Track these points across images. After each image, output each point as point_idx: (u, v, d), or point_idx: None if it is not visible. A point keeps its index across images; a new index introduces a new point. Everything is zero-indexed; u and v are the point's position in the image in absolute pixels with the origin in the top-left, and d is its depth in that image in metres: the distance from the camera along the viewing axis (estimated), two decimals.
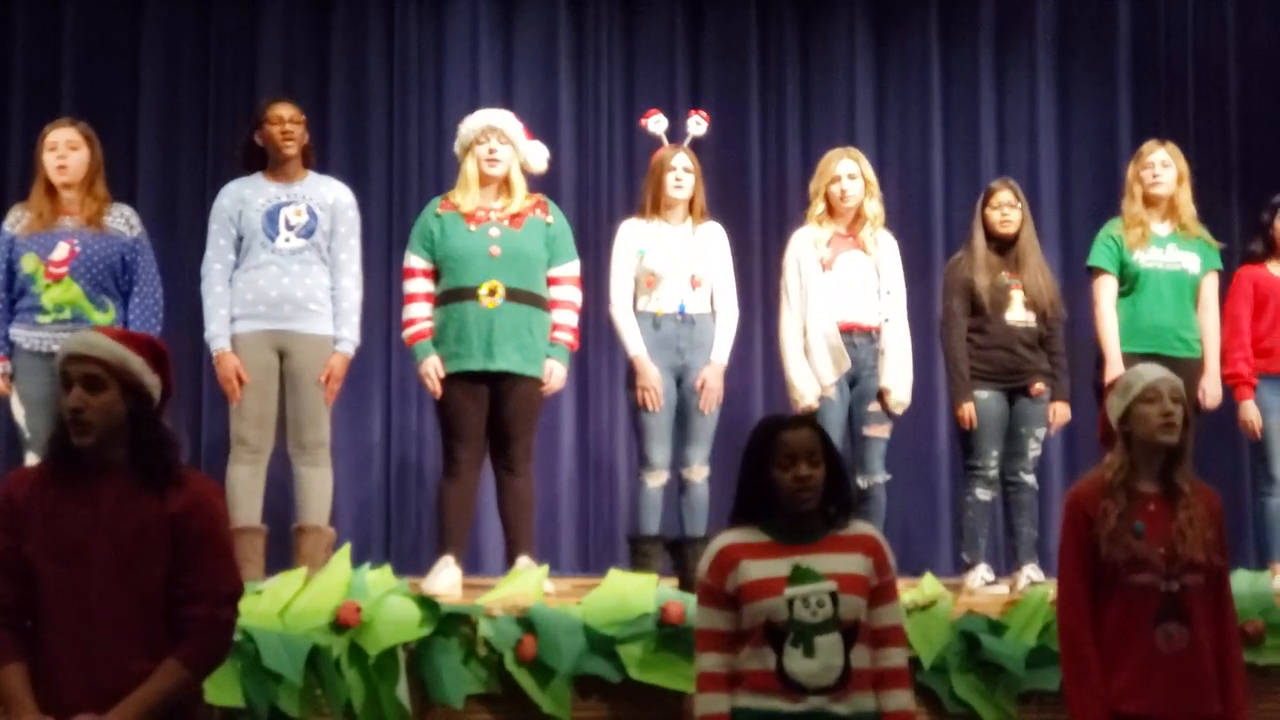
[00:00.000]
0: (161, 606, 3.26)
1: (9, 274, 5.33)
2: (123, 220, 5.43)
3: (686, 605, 4.89)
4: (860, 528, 3.69)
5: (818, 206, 5.82)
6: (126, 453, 3.28)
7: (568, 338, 5.55)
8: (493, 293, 5.36)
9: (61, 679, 3.21)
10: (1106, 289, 5.89)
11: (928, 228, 7.57)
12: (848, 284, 5.72)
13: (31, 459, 5.14)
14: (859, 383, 5.73)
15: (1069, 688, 3.83)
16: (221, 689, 4.45)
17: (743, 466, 3.68)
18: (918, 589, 5.19)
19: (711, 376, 5.64)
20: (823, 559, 3.55)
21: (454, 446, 5.44)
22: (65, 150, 5.36)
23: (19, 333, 5.30)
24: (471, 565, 5.58)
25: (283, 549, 5.72)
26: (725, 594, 3.57)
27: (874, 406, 5.72)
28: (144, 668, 3.21)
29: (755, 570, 3.54)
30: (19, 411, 5.33)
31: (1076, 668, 3.79)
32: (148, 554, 3.24)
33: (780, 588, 3.51)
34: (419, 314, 5.50)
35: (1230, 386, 5.90)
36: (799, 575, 3.52)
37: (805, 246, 5.76)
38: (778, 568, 3.54)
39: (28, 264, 5.28)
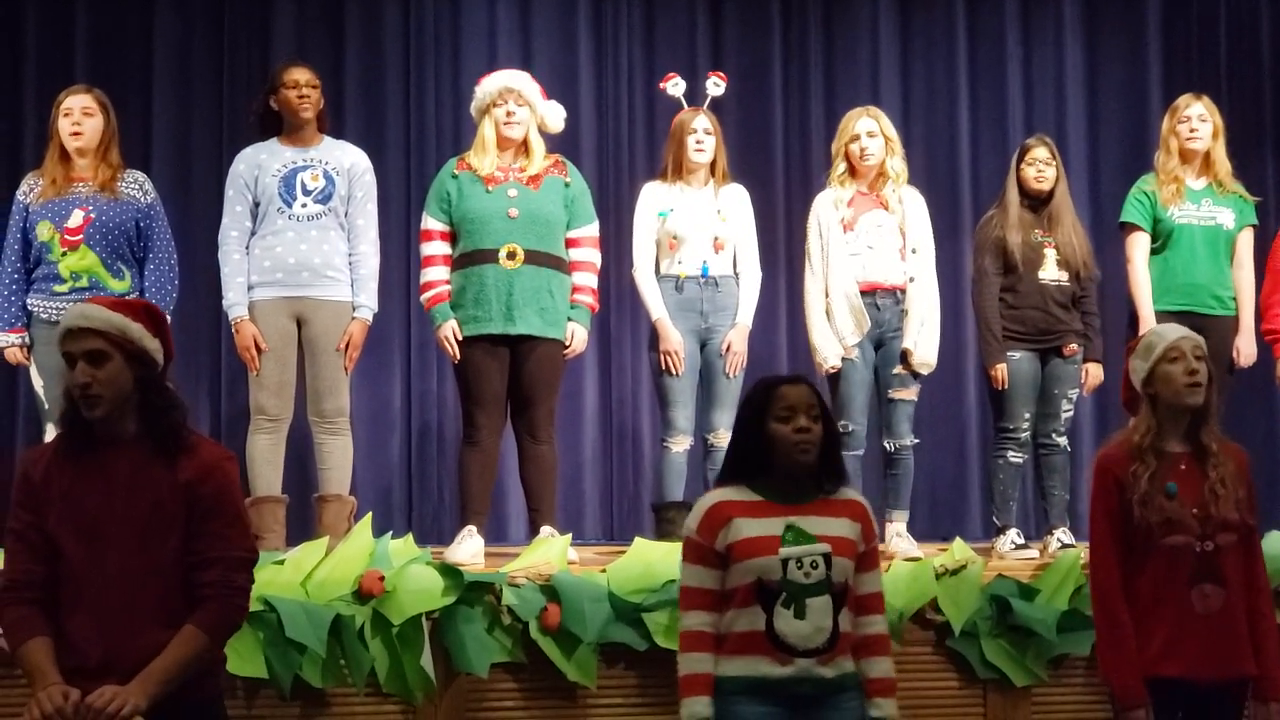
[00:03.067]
0: (179, 576, 3.25)
1: (25, 243, 5.29)
2: (136, 186, 5.39)
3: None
4: (848, 493, 3.67)
5: (839, 166, 5.72)
6: (137, 422, 3.28)
7: (589, 299, 5.48)
8: (512, 255, 5.29)
9: (85, 651, 3.21)
10: (1139, 246, 5.80)
11: (955, 186, 7.46)
12: (871, 244, 5.63)
13: (51, 429, 5.10)
14: (884, 345, 5.65)
15: (1103, 653, 3.81)
16: (244, 659, 4.44)
17: (738, 423, 3.71)
18: (948, 553, 5.16)
19: (737, 339, 5.58)
20: (815, 521, 3.53)
21: (474, 412, 5.37)
22: (80, 116, 5.31)
23: (36, 302, 5.27)
24: (494, 534, 5.53)
25: (303, 518, 5.69)
26: (715, 552, 3.53)
27: (899, 369, 5.63)
28: (164, 638, 3.21)
29: (748, 528, 3.51)
30: (38, 382, 5.30)
31: (1111, 633, 3.76)
32: (163, 524, 3.24)
33: (774, 547, 3.48)
34: (437, 277, 5.43)
35: (1269, 343, 5.78)
36: (792, 536, 3.49)
37: (826, 208, 5.68)
38: (771, 526, 3.51)
39: (43, 232, 5.24)
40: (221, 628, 3.30)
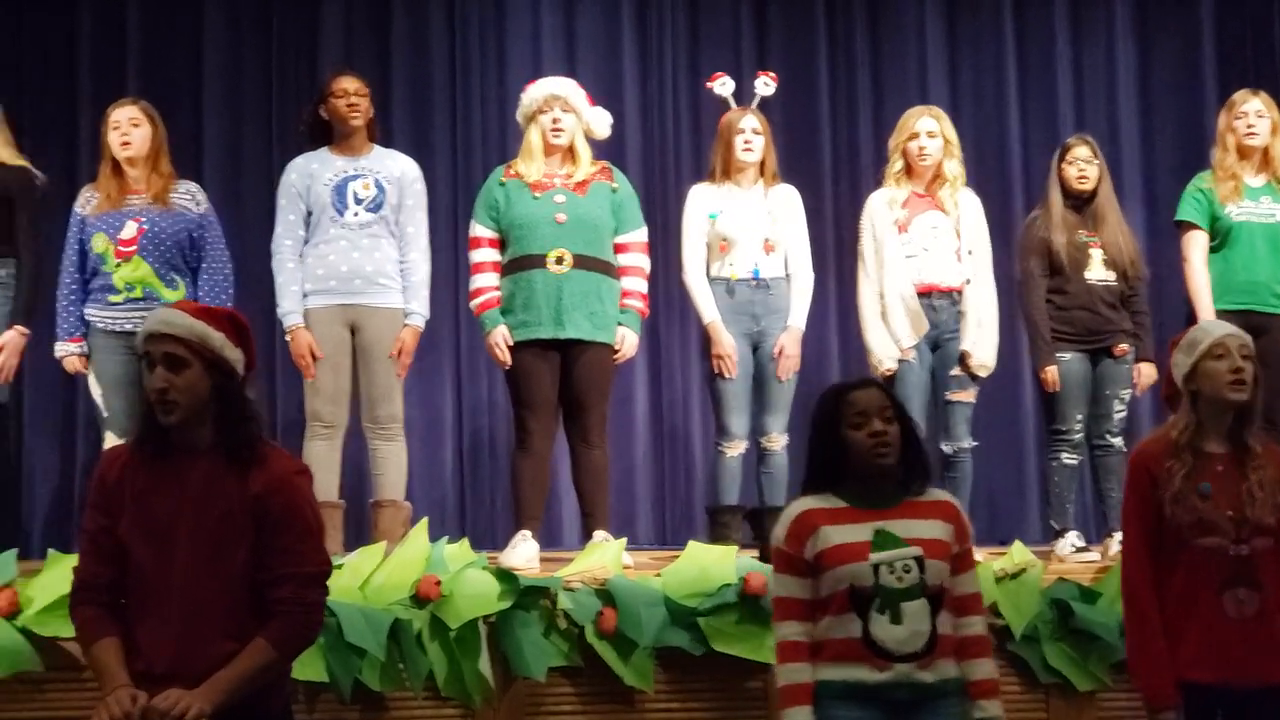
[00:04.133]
0: (247, 587, 3.25)
1: (81, 254, 5.34)
2: (189, 197, 5.44)
3: (768, 576, 4.82)
4: (937, 494, 3.62)
5: (895, 164, 5.71)
6: (212, 431, 3.26)
7: (639, 304, 5.48)
8: (560, 260, 5.29)
9: (151, 655, 3.21)
10: (1197, 244, 5.73)
11: (1006, 187, 7.42)
12: (926, 245, 5.61)
13: (111, 437, 5.16)
14: (941, 347, 5.62)
15: (1132, 654, 3.73)
16: (305, 664, 4.44)
17: (812, 433, 3.63)
18: (1007, 557, 5.13)
19: (789, 342, 5.56)
20: (903, 524, 3.49)
21: (525, 417, 5.37)
22: (128, 127, 5.36)
23: (93, 313, 5.31)
24: (547, 539, 5.54)
25: (359, 524, 5.72)
26: (804, 561, 3.50)
27: (957, 371, 5.61)
28: (231, 648, 3.20)
29: (836, 535, 3.48)
30: (96, 390, 5.35)
31: (1140, 633, 3.69)
32: (233, 535, 3.23)
33: (864, 553, 3.44)
34: (486, 283, 5.43)
35: None
36: (882, 540, 3.46)
37: (880, 208, 5.66)
38: (859, 533, 3.47)
39: (98, 244, 5.29)
40: (292, 643, 3.29)
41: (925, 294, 5.58)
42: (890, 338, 5.56)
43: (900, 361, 5.56)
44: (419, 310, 5.48)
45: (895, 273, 5.56)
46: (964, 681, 3.49)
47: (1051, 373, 5.64)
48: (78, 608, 3.31)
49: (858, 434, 3.48)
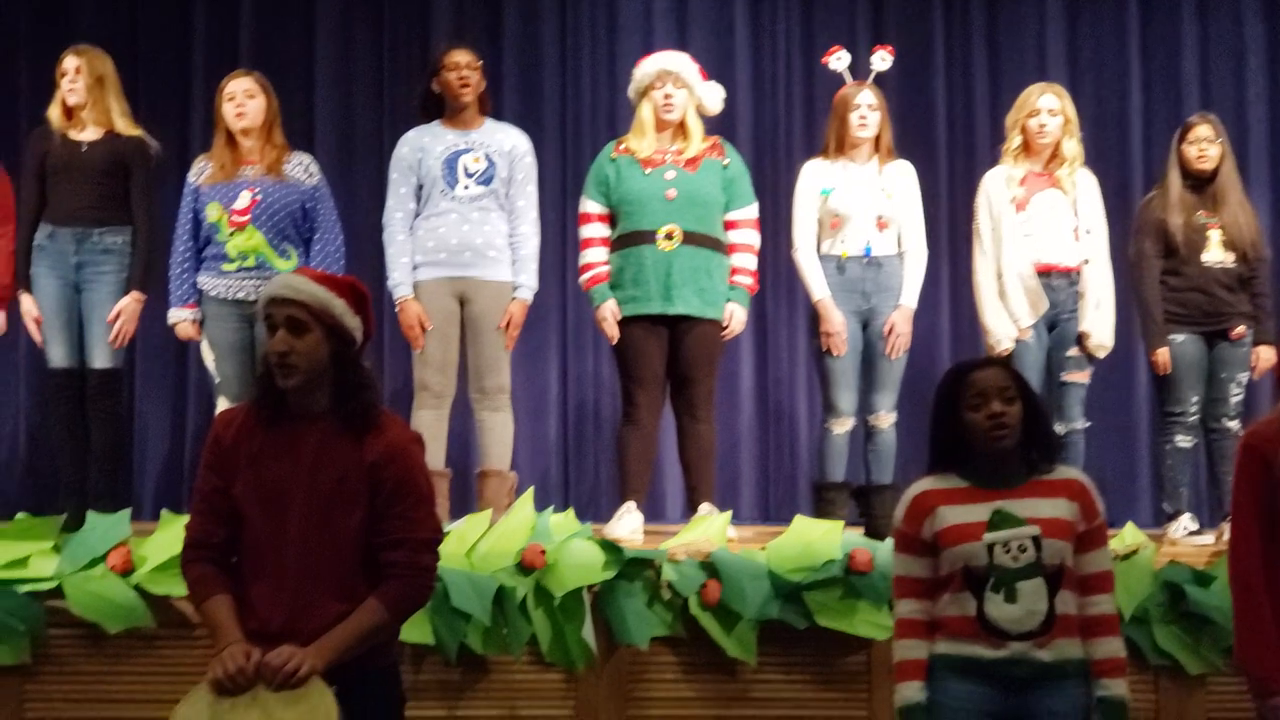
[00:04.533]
0: (359, 552, 3.28)
1: (195, 223, 5.42)
2: (302, 168, 5.50)
3: (874, 552, 4.82)
4: (1066, 472, 3.58)
5: (1014, 141, 5.65)
6: (329, 398, 3.29)
7: (747, 281, 5.46)
8: (670, 236, 5.29)
9: (265, 615, 3.26)
10: None
11: (1126, 167, 7.26)
12: (1043, 224, 5.55)
13: (223, 403, 5.25)
14: (1057, 326, 5.57)
15: (1240, 639, 3.59)
16: (412, 626, 4.48)
17: (934, 414, 3.60)
18: (1119, 538, 5.08)
19: (900, 321, 5.51)
20: (1024, 504, 3.46)
21: (633, 391, 5.39)
22: (243, 99, 5.43)
23: (206, 280, 5.39)
24: (650, 513, 5.55)
25: (464, 494, 5.77)
26: (922, 541, 3.51)
27: (1073, 351, 5.56)
28: (340, 609, 3.24)
29: (952, 516, 3.47)
30: (208, 357, 5.43)
31: (1248, 618, 3.54)
32: (347, 501, 3.26)
33: (979, 533, 3.43)
34: (595, 259, 5.46)
35: None
36: (999, 520, 3.44)
37: (997, 186, 5.60)
38: (976, 513, 3.46)
39: (212, 213, 5.36)
40: (404, 605, 3.32)
41: (1043, 273, 5.52)
42: (1008, 317, 5.50)
43: (1017, 341, 5.50)
44: (527, 283, 5.51)
45: (1013, 251, 5.51)
46: (1088, 661, 3.46)
47: (1163, 355, 5.56)
48: (190, 565, 3.36)
49: (975, 415, 3.46)
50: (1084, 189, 5.61)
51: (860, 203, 5.51)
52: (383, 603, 3.25)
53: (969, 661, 3.44)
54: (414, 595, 3.33)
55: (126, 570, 4.70)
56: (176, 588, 4.42)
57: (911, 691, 3.49)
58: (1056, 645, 3.42)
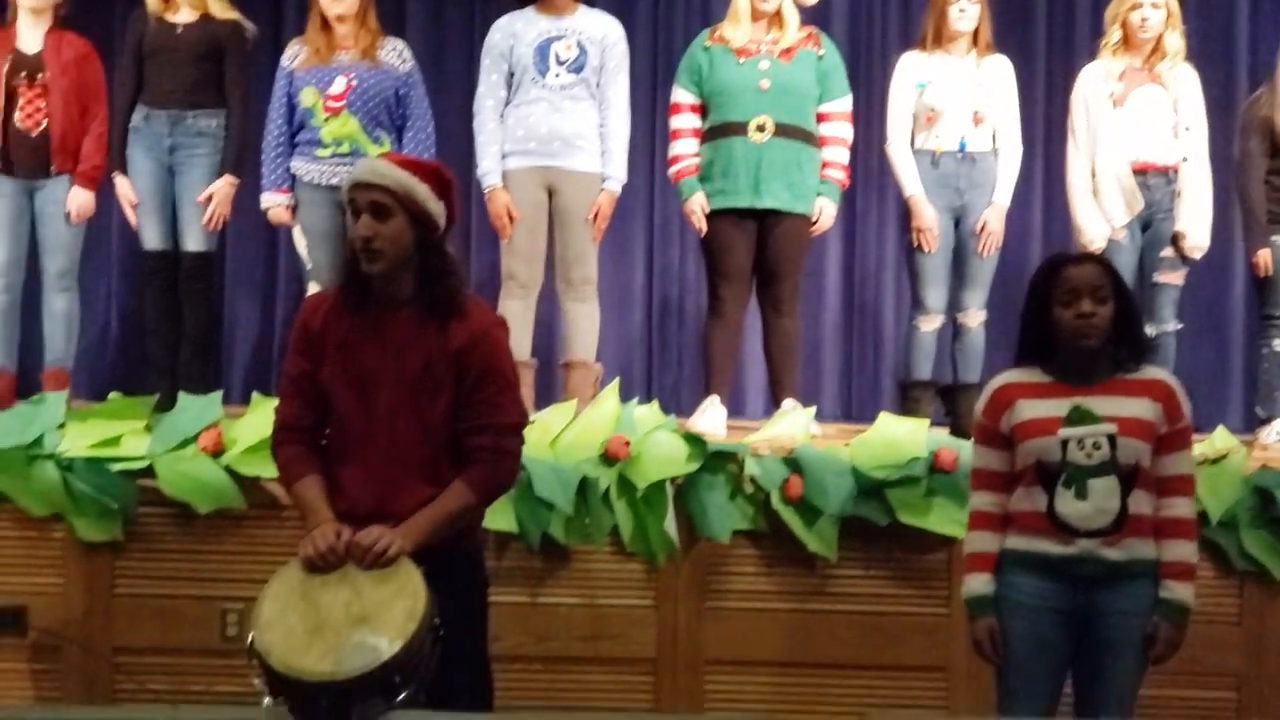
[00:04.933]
0: (445, 437, 3.32)
1: (289, 108, 5.42)
2: (395, 54, 5.47)
3: (959, 451, 4.80)
4: (1152, 372, 3.56)
5: (1113, 35, 5.51)
6: (414, 283, 3.31)
7: (839, 175, 5.40)
8: (761, 128, 5.24)
9: (354, 497, 3.31)
10: None
11: (1230, 62, 7.03)
12: (1141, 121, 5.43)
13: (314, 289, 5.28)
14: (1152, 226, 5.47)
15: None
16: (496, 514, 4.54)
17: (1025, 305, 3.60)
18: (1208, 442, 5.01)
19: (993, 218, 5.44)
20: (1105, 401, 3.45)
21: (719, 285, 5.37)
22: None
23: (299, 165, 5.40)
24: (731, 408, 5.55)
25: (548, 384, 5.80)
26: (1000, 433, 3.53)
27: (1167, 251, 5.46)
28: (429, 492, 3.29)
29: (1030, 410, 3.48)
30: (300, 242, 5.46)
31: None
32: (433, 386, 3.29)
33: (1054, 428, 3.44)
34: (685, 150, 5.41)
35: None
36: (1076, 416, 3.44)
37: (1095, 81, 5.48)
38: (1054, 408, 3.46)
39: (307, 98, 5.36)
40: (490, 488, 3.36)
41: (1139, 172, 5.41)
42: (1101, 216, 5.41)
43: (1110, 241, 5.40)
44: (616, 175, 5.47)
45: (1109, 149, 5.40)
46: (1159, 561, 3.46)
47: (1264, 256, 5.47)
48: (280, 447, 3.42)
49: (1065, 312, 3.44)
50: (1185, 85, 5.48)
51: (956, 97, 5.42)
52: (469, 486, 3.30)
53: (1037, 557, 3.46)
54: (499, 479, 3.38)
55: (217, 451, 4.77)
56: (266, 469, 4.48)
57: (979, 583, 3.53)
58: (1127, 544, 3.43)
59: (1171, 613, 3.47)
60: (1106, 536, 3.41)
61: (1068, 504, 3.42)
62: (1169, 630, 3.48)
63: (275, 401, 3.49)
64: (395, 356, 3.30)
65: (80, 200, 5.41)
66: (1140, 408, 3.45)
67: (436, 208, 3.29)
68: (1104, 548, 3.42)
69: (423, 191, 3.26)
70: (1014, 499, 3.51)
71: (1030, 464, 3.46)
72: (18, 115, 5.35)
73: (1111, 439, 3.41)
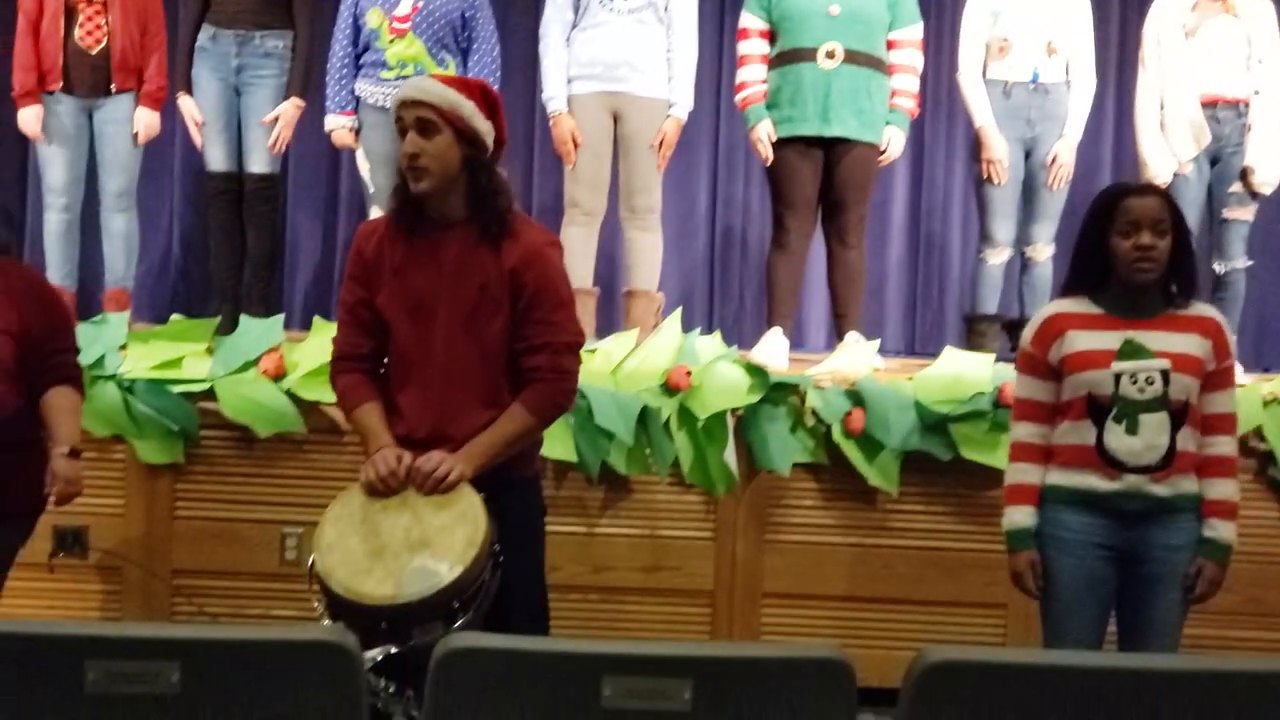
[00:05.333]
0: (502, 359, 3.31)
1: (355, 29, 5.38)
2: None
3: None
4: (1201, 308, 3.52)
5: None
6: (464, 204, 3.29)
7: (908, 104, 5.31)
8: (831, 54, 5.15)
9: (413, 422, 3.31)
10: None
11: None
12: (1213, 53, 5.32)
13: (376, 212, 5.27)
14: (1221, 160, 5.37)
15: None
16: (557, 443, 4.56)
17: (1081, 233, 3.55)
18: (1276, 381, 4.92)
19: (1064, 151, 5.36)
20: (1157, 336, 3.41)
21: (784, 214, 5.29)
22: None
23: (363, 87, 5.37)
24: (796, 340, 5.52)
25: (609, 313, 5.77)
26: (1048, 364, 3.49)
27: (1236, 187, 5.36)
28: (487, 416, 3.29)
29: (1082, 341, 3.43)
30: (364, 165, 5.44)
31: None
32: (488, 308, 3.28)
33: (1107, 361, 3.40)
34: (752, 77, 5.33)
35: None
36: (1129, 350, 3.41)
37: (1167, 12, 5.37)
38: (1107, 340, 3.42)
39: (372, 19, 5.32)
40: (548, 409, 3.35)
41: (1209, 105, 5.31)
42: (1168, 150, 5.31)
43: (1177, 175, 5.30)
44: (682, 101, 5.40)
45: (1179, 81, 5.29)
46: (1200, 498, 3.44)
47: None
48: (338, 376, 3.42)
49: (1124, 243, 3.39)
50: (1259, 17, 5.35)
51: (1030, 27, 5.33)
52: (527, 408, 3.29)
53: (1083, 493, 3.44)
54: (557, 399, 3.36)
55: (278, 375, 4.77)
56: (327, 394, 4.44)
57: (1022, 516, 3.51)
58: (1173, 481, 3.42)
59: (1216, 551, 3.46)
60: (1154, 473, 3.40)
61: (1118, 439, 3.39)
62: (1213, 569, 3.46)
63: (335, 327, 3.49)
64: (450, 279, 3.28)
65: (147, 121, 5.41)
66: (1191, 344, 3.42)
67: (484, 125, 3.28)
68: (1151, 484, 3.40)
69: (468, 108, 3.25)
70: (1059, 432, 3.48)
71: (1080, 396, 3.42)
72: (77, 33, 5.34)
73: (1164, 374, 3.38)
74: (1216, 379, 3.47)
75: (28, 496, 3.71)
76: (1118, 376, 3.38)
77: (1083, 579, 3.47)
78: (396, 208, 3.36)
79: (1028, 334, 3.54)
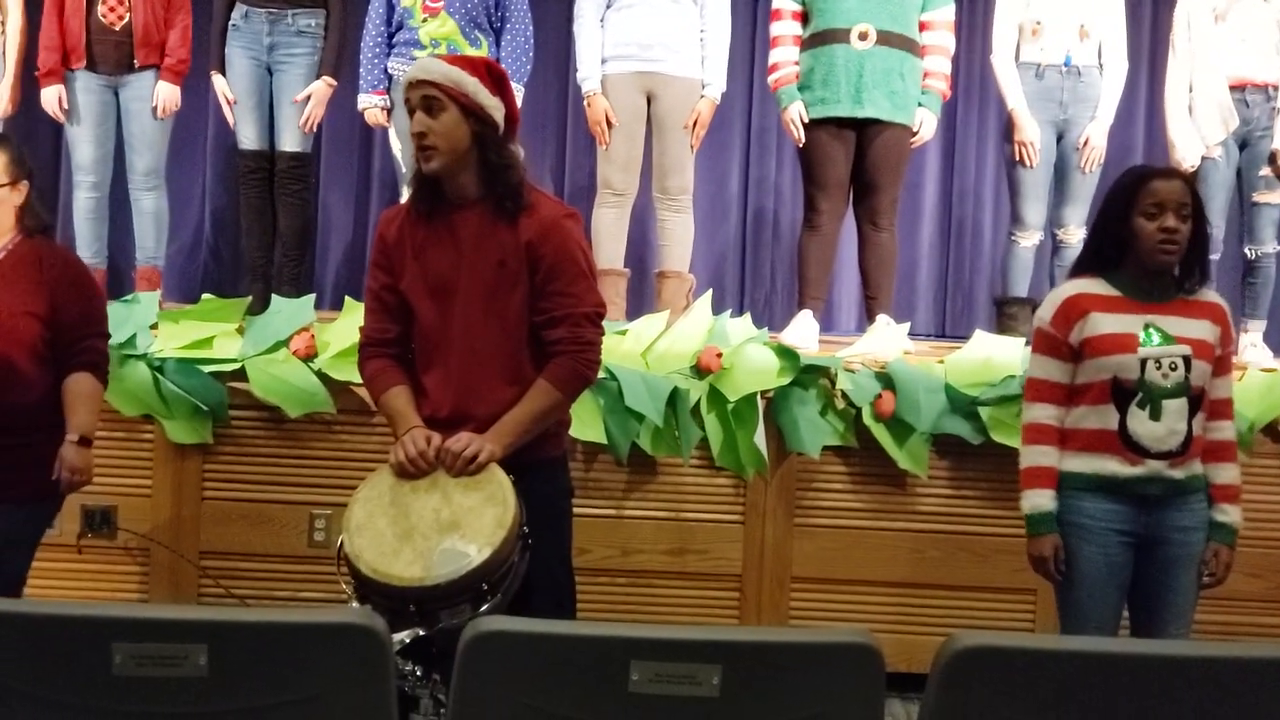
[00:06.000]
0: (523, 334, 3.31)
1: (389, 8, 5.38)
2: None
3: None
4: (1209, 294, 3.52)
5: None
6: (478, 182, 3.30)
7: (941, 85, 5.28)
8: (864, 36, 5.11)
9: (438, 402, 3.32)
10: None
11: None
12: (1243, 36, 5.28)
13: (408, 191, 5.24)
14: (1250, 144, 5.33)
15: None
16: (585, 424, 4.56)
17: (1102, 212, 3.54)
18: None
19: (1096, 134, 5.32)
20: (1175, 321, 3.41)
21: (815, 196, 5.27)
22: None
23: (396, 66, 5.36)
24: (826, 322, 5.49)
25: (640, 294, 5.76)
26: (1067, 345, 3.47)
27: (1266, 171, 5.31)
28: (512, 393, 3.29)
29: (1106, 324, 3.41)
30: (396, 145, 5.45)
31: None
32: (508, 283, 3.29)
33: (1133, 345, 3.39)
34: (785, 58, 5.30)
35: None
36: (1153, 335, 3.39)
37: None
38: (1130, 324, 3.41)
39: None
40: (573, 381, 3.34)
41: (1238, 88, 5.27)
42: (1196, 133, 5.26)
43: (1205, 159, 5.27)
44: (716, 82, 5.39)
45: (1208, 65, 5.24)
46: (1207, 482, 3.47)
47: None
48: (366, 362, 3.44)
49: (1148, 225, 3.37)
50: None
51: (1062, 10, 5.29)
52: (552, 382, 3.29)
53: (1103, 479, 3.42)
54: (581, 370, 3.35)
55: (309, 355, 4.77)
56: (357, 374, 4.47)
57: (1043, 499, 3.48)
58: (1188, 465, 3.43)
59: (1227, 535, 3.49)
60: (1173, 458, 3.40)
61: (1141, 424, 3.38)
62: (1227, 553, 3.48)
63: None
64: (468, 256, 3.29)
65: (166, 94, 5.41)
66: (1203, 330, 3.43)
67: (490, 101, 3.28)
68: (1169, 469, 3.41)
69: (472, 84, 3.25)
70: (1075, 415, 3.45)
71: (1103, 380, 3.40)
72: (100, 9, 5.34)
73: (1187, 360, 3.38)
74: (1221, 364, 3.49)
75: (56, 480, 3.72)
76: (1144, 361, 3.36)
77: (1104, 566, 3.45)
78: (415, 191, 3.37)
79: (1045, 313, 3.51)
